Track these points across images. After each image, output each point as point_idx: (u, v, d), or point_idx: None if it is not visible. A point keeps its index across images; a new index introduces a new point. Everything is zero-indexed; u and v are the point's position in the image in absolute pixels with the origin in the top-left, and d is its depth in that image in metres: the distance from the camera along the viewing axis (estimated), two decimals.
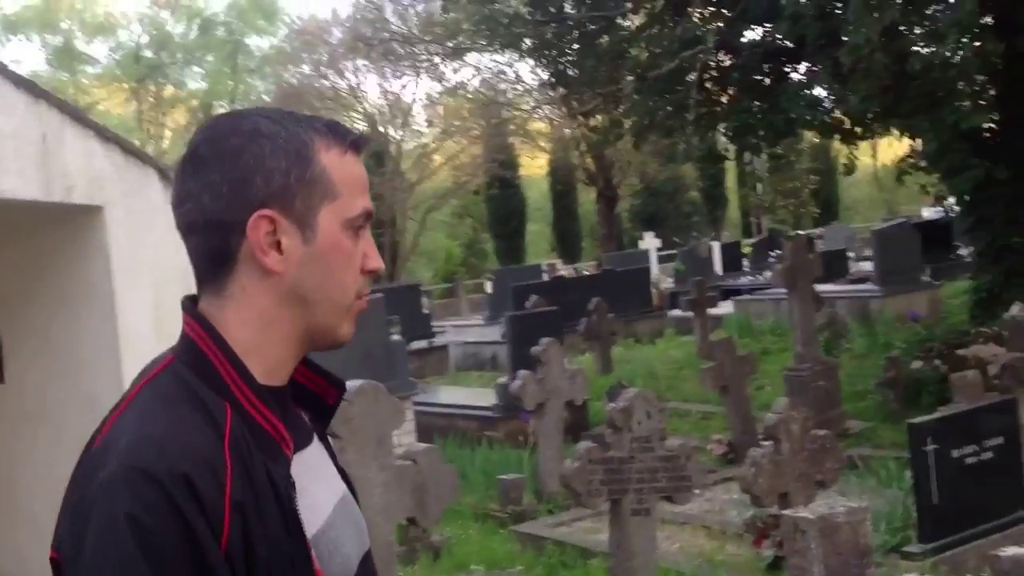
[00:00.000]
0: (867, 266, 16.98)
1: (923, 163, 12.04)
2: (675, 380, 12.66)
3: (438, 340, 16.72)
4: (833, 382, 9.96)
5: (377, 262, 1.36)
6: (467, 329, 18.27)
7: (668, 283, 20.42)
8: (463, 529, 6.96)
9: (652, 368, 13.22)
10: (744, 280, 19.33)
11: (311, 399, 1.41)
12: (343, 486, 1.41)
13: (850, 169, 13.56)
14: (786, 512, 2.85)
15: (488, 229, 35.60)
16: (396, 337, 10.30)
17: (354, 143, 1.35)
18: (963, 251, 16.77)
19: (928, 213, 21.11)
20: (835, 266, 17.12)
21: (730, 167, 30.63)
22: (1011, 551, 3.10)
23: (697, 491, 6.99)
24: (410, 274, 29.95)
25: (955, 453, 5.71)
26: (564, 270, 24.20)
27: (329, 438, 1.46)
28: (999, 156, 10.33)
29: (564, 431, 8.64)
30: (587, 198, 34.05)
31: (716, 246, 22.64)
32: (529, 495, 7.68)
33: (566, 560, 6.15)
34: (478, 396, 11.11)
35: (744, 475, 5.40)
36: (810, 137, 21.70)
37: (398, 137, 30.06)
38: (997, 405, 6.15)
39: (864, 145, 21.14)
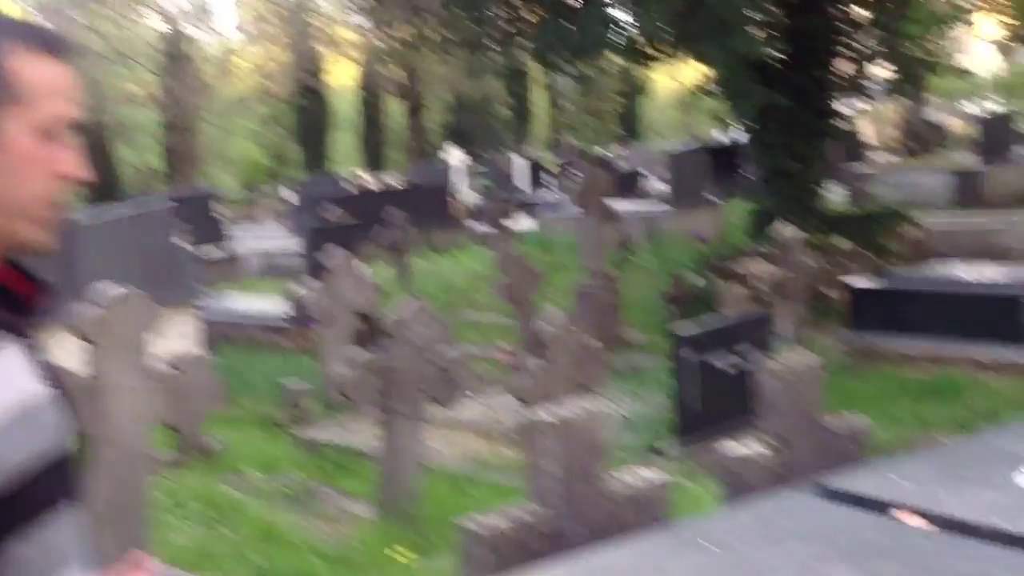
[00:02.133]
0: (662, 186, 17.53)
1: (713, 88, 12.45)
2: (473, 292, 12.86)
3: (233, 248, 16.42)
4: (617, 296, 10.34)
5: (74, 169, 1.35)
6: (267, 239, 18.00)
7: (473, 198, 20.58)
8: (243, 435, 6.97)
9: (451, 281, 13.38)
10: (547, 197, 19.66)
11: (17, 301, 1.39)
12: (38, 389, 1.36)
13: (643, 90, 13.88)
14: (525, 414, 3.00)
15: (295, 138, 34.93)
16: (181, 244, 10.09)
17: (52, 45, 1.33)
18: (747, 174, 17.49)
19: (719, 137, 21.87)
20: (631, 185, 17.62)
21: (540, 85, 30.86)
22: (734, 448, 3.35)
23: (478, 398, 7.20)
24: (210, 181, 29.12)
25: (713, 360, 6.07)
26: (369, 182, 24.03)
27: (39, 339, 1.43)
28: (783, 85, 10.79)
29: (357, 341, 8.70)
30: (396, 110, 33.79)
31: (522, 162, 22.91)
32: (312, 402, 7.74)
33: (343, 463, 6.26)
34: (270, 305, 11.02)
35: (516, 381, 5.61)
36: (616, 59, 22.05)
37: (199, 38, 29.01)
38: (753, 316, 6.54)
39: (667, 68, 21.62)
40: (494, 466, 6.18)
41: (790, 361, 3.36)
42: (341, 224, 12.30)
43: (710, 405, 5.96)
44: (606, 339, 9.84)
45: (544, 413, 2.94)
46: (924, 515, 2.61)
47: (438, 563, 4.57)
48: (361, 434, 6.58)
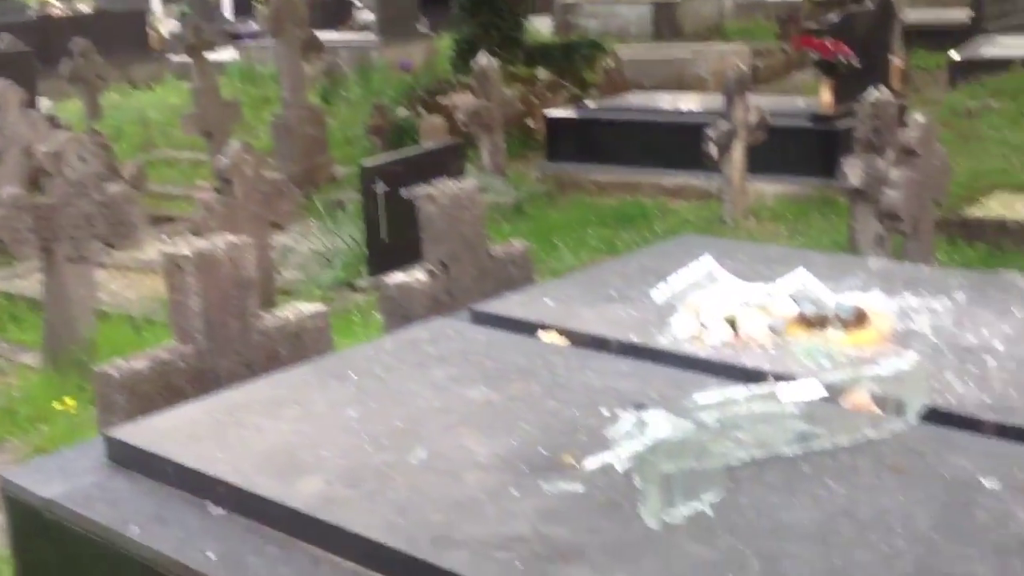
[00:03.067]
0: (373, 16, 17.05)
1: None
2: (169, 127, 12.20)
3: None
4: (321, 129, 10.05)
5: None
6: None
7: (172, 26, 19.38)
8: None
9: (145, 115, 12.65)
10: (253, 26, 18.76)
11: None
12: None
13: None
14: (165, 249, 2.82)
15: None
16: None
17: None
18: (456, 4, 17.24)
19: None
20: (342, 15, 17.04)
21: None
22: (395, 277, 3.29)
23: (169, 238, 6.85)
24: None
25: (404, 193, 5.99)
26: (55, 7, 22.15)
27: None
28: None
29: (32, 183, 8.08)
30: None
31: None
32: None
33: (15, 312, 5.86)
34: None
35: (195, 217, 5.35)
36: None
37: None
38: (446, 147, 6.49)
39: None
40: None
41: (448, 188, 3.31)
42: (13, 52, 11.25)
43: (398, 237, 5.91)
44: (309, 174, 9.61)
45: (185, 247, 2.77)
46: (564, 332, 2.64)
47: None
48: (32, 280, 6.17)
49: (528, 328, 2.70)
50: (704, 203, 8.21)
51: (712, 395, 1.90)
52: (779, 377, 2.26)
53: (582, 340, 2.59)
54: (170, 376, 2.71)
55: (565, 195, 8.97)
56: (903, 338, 2.42)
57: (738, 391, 1.92)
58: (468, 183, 3.42)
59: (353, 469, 2.00)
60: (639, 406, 1.86)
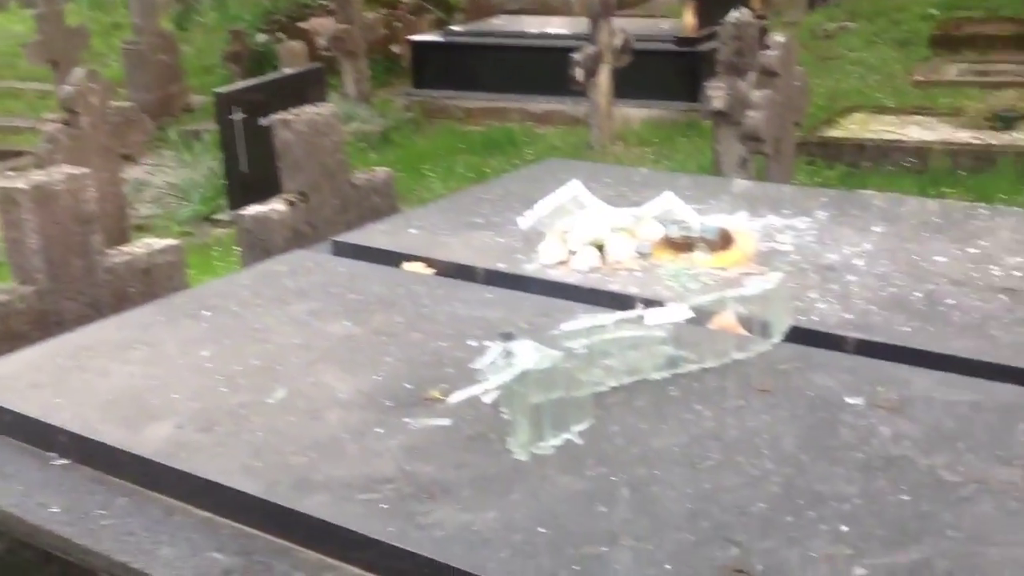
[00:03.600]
0: None
1: None
2: (13, 57, 11.60)
3: None
4: (175, 56, 9.67)
5: None
6: None
7: None
8: None
9: None
10: None
11: None
12: None
13: None
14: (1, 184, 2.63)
15: None
16: None
17: None
18: None
19: None
20: None
21: None
22: (253, 208, 3.16)
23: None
24: None
25: (264, 121, 5.79)
26: None
27: None
28: None
29: None
30: None
31: None
32: None
33: None
34: None
35: (39, 151, 5.09)
36: None
37: None
38: (305, 73, 6.29)
39: None
40: None
41: (305, 113, 3.18)
42: None
43: (259, 168, 5.72)
44: (163, 103, 9.25)
45: (21, 181, 2.59)
46: (428, 262, 2.57)
47: None
48: None
49: (392, 259, 2.61)
50: (572, 128, 8.18)
51: (579, 322, 1.85)
52: (647, 302, 2.22)
53: (447, 269, 2.52)
54: (9, 319, 2.55)
55: (432, 122, 8.84)
56: (767, 258, 2.41)
57: (606, 317, 1.88)
58: (326, 107, 3.29)
59: (206, 412, 1.90)
60: (506, 336, 1.80)
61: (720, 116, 5.86)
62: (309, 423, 1.84)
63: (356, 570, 1.55)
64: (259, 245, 3.13)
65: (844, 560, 1.39)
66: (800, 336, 2.02)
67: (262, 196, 5.81)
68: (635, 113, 8.06)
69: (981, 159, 6.55)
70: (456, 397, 1.68)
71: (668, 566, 1.40)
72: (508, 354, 1.79)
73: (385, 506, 1.59)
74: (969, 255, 2.35)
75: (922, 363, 1.90)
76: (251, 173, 5.72)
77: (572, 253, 2.45)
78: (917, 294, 2.17)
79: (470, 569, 1.44)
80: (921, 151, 6.74)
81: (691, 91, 7.98)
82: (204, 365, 2.09)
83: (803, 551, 1.41)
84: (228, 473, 1.71)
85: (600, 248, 2.44)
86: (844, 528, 1.45)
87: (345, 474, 1.68)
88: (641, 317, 1.89)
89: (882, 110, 7.75)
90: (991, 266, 2.28)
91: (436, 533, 1.51)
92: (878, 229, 2.55)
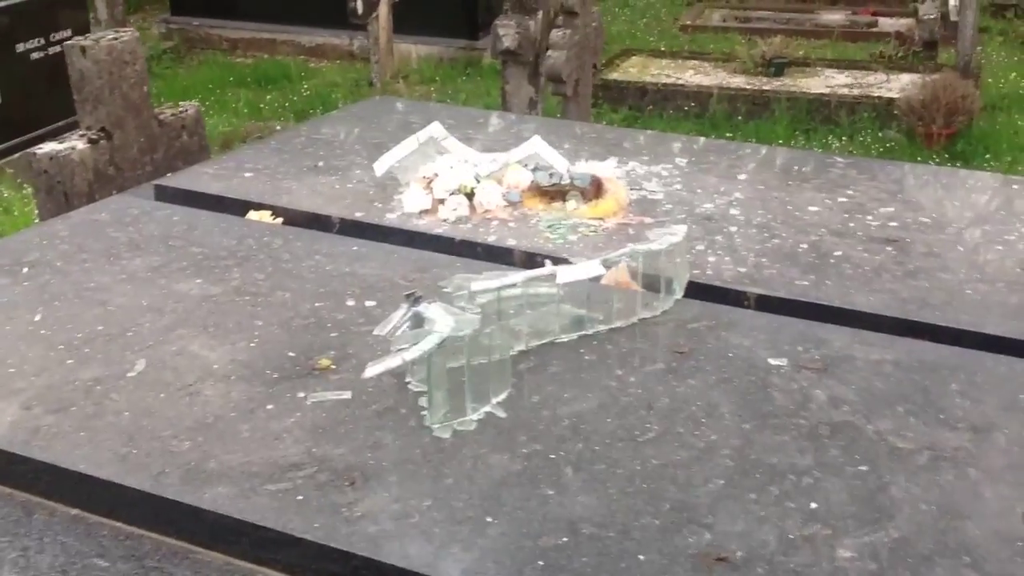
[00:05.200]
0: None
1: None
2: None
3: None
4: None
5: None
6: None
7: None
8: None
9: None
10: None
11: None
12: None
13: None
14: None
15: None
16: None
17: None
18: None
19: None
20: None
21: None
22: (47, 147, 2.79)
23: None
24: None
25: (20, 47, 5.24)
26: None
27: None
28: None
29: None
30: None
31: None
32: None
33: None
34: None
35: None
36: None
37: None
38: None
39: None
40: None
41: (104, 38, 2.83)
42: None
43: (23, 100, 5.18)
44: None
45: None
46: (276, 211, 2.33)
47: None
48: None
49: (231, 206, 2.36)
50: (350, 64, 7.87)
51: (489, 282, 1.69)
52: (529, 254, 2.09)
53: (299, 219, 2.29)
54: None
55: (193, 53, 8.31)
56: (641, 207, 2.32)
57: (515, 276, 1.72)
58: (128, 33, 2.94)
59: (55, 389, 1.63)
60: (412, 298, 1.62)
61: (509, 55, 5.75)
62: (184, 400, 1.60)
63: (275, 573, 1.35)
64: (58, 189, 2.77)
65: (824, 541, 1.31)
66: (699, 292, 1.94)
67: (23, 131, 5.29)
68: (415, 49, 7.83)
69: (757, 104, 6.73)
70: (372, 370, 1.49)
71: (641, 556, 1.28)
72: (416, 318, 1.61)
73: (300, 497, 1.39)
74: (841, 205, 2.33)
75: (827, 319, 1.86)
76: (8, 104, 5.16)
77: (438, 202, 2.27)
78: (803, 246, 2.13)
79: (419, 570, 1.27)
80: (700, 96, 6.86)
81: (471, 29, 7.83)
82: (38, 332, 1.80)
83: (779, 532, 1.32)
84: (99, 463, 1.46)
85: (469, 196, 2.27)
86: (813, 505, 1.37)
87: (243, 460, 1.46)
88: (553, 275, 1.74)
89: (658, 54, 7.85)
90: (866, 216, 2.27)
91: (369, 528, 1.33)
92: (743, 177, 2.50)
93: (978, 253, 2.11)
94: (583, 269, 1.75)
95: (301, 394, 1.61)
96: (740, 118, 6.69)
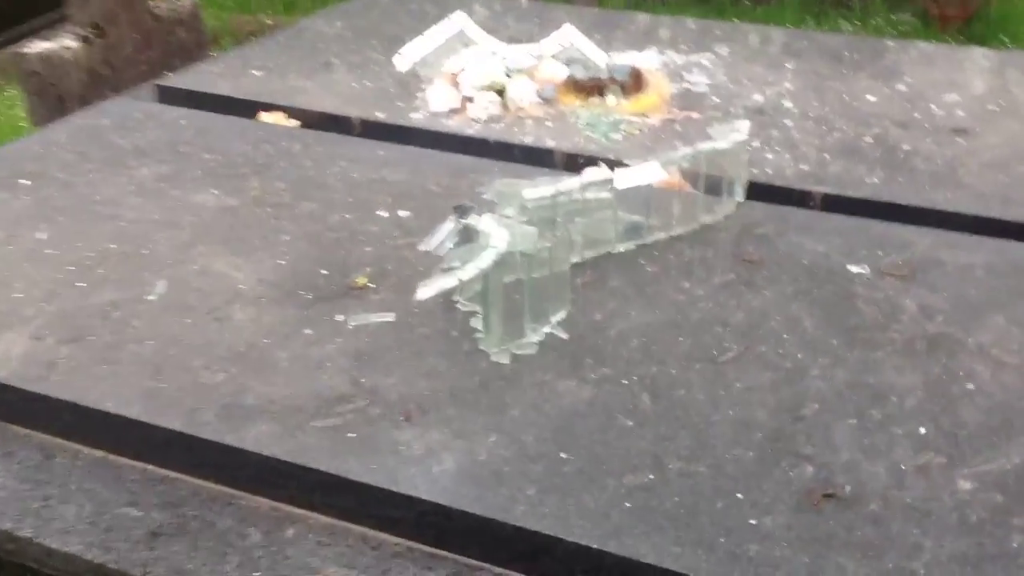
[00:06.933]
0: None
1: None
2: None
3: None
4: None
5: None
6: None
7: None
8: None
9: None
10: None
11: None
12: None
13: None
14: None
15: None
16: None
17: None
18: None
19: None
20: None
21: None
22: (37, 46, 2.59)
23: None
24: None
25: None
26: None
27: None
28: None
29: None
30: None
31: None
32: None
33: None
34: None
35: None
36: None
37: None
38: None
39: None
40: None
41: None
42: None
43: None
44: None
45: None
46: (289, 112, 2.16)
47: None
48: None
49: (241, 107, 2.18)
50: None
51: (542, 189, 1.53)
52: (570, 155, 1.93)
53: (316, 120, 2.12)
54: None
55: None
56: (685, 101, 2.15)
57: (570, 182, 1.56)
58: None
59: (68, 316, 1.48)
60: (461, 210, 1.46)
61: None
62: (212, 326, 1.46)
63: (328, 520, 1.22)
64: (51, 91, 2.59)
65: (940, 471, 1.18)
66: (760, 193, 1.78)
67: (8, 26, 5.02)
68: None
69: None
70: (424, 292, 1.34)
71: (739, 495, 1.15)
72: (466, 232, 1.46)
73: (352, 434, 1.25)
74: (901, 93, 2.16)
75: (902, 219, 1.71)
76: None
77: (467, 99, 2.09)
78: (867, 139, 1.97)
79: (494, 515, 1.14)
80: None
81: None
82: (43, 251, 1.65)
83: (889, 463, 1.19)
84: (125, 400, 1.32)
85: (500, 93, 2.10)
86: (922, 430, 1.24)
87: (285, 393, 1.32)
88: (609, 180, 1.59)
89: None
90: (930, 104, 2.10)
91: (433, 468, 1.20)
92: (790, 66, 2.32)
93: None
94: (643, 172, 1.59)
95: (340, 317, 1.46)
96: (747, 2, 6.44)
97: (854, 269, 1.56)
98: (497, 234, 1.40)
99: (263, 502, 1.24)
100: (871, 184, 1.81)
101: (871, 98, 2.14)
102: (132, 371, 1.37)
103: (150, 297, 1.52)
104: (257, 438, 1.25)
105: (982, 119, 2.04)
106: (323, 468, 1.21)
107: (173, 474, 1.28)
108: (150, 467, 1.29)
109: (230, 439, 1.25)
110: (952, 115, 2.05)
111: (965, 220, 1.68)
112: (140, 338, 1.43)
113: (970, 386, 1.31)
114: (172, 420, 1.28)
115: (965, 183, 1.80)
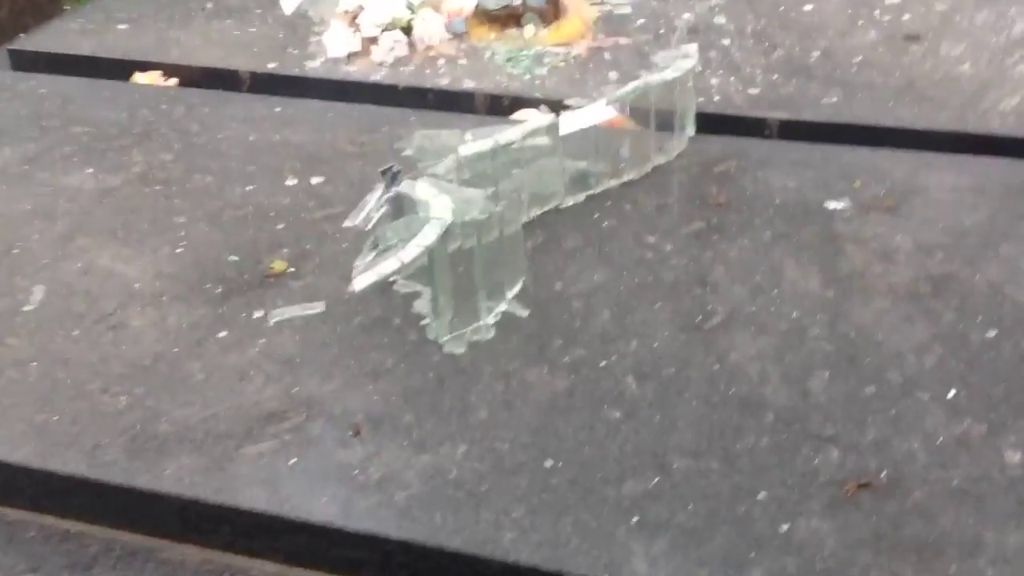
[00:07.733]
0: None
1: None
2: None
3: None
4: None
5: None
6: None
7: None
8: None
9: None
10: None
11: None
12: None
13: None
14: None
15: None
16: None
17: None
18: None
19: None
20: None
21: None
22: None
23: None
24: None
25: None
26: None
27: None
28: None
29: None
30: None
31: None
32: None
33: None
34: None
35: None
36: None
37: None
38: None
39: None
40: None
41: None
42: None
43: None
44: None
45: None
46: (168, 70, 1.90)
47: None
48: None
49: (110, 68, 1.91)
50: None
51: (478, 143, 1.32)
52: (493, 97, 1.72)
53: (198, 77, 1.87)
54: None
55: None
56: (610, 25, 1.95)
57: (509, 132, 1.36)
58: None
59: None
60: (389, 173, 1.24)
61: None
62: (106, 337, 1.23)
63: (275, 567, 1.02)
64: None
65: (983, 441, 1.03)
66: (710, 124, 1.60)
67: None
68: None
69: None
70: (362, 281, 1.13)
71: (760, 494, 0.98)
72: (398, 201, 1.24)
73: (293, 460, 1.05)
74: None
75: (871, 141, 1.55)
76: None
77: (369, 41, 1.86)
78: (815, 53, 1.80)
79: (477, 550, 0.95)
80: None
81: None
82: None
83: (924, 436, 1.03)
84: (10, 441, 1.09)
85: (405, 31, 1.87)
86: (951, 393, 1.09)
87: (206, 414, 1.11)
88: (553, 125, 1.38)
89: None
90: (873, 10, 1.94)
91: (396, 495, 1.00)
92: None
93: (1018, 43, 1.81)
94: (589, 113, 1.40)
95: (259, 312, 1.25)
96: None
97: (833, 205, 1.39)
98: (438, 202, 1.19)
99: (192, 552, 1.03)
100: (829, 105, 1.64)
101: (808, 7, 1.97)
102: (13, 403, 1.13)
103: (26, 308, 1.28)
104: (177, 475, 1.03)
105: (932, 22, 1.89)
106: (262, 508, 1.00)
107: (79, 526, 1.06)
108: (49, 520, 1.07)
109: (143, 480, 1.03)
110: (898, 20, 1.90)
111: (941, 138, 1.53)
112: (19, 360, 1.20)
113: (990, 334, 1.16)
114: (70, 462, 1.06)
115: (929, 95, 1.65)
